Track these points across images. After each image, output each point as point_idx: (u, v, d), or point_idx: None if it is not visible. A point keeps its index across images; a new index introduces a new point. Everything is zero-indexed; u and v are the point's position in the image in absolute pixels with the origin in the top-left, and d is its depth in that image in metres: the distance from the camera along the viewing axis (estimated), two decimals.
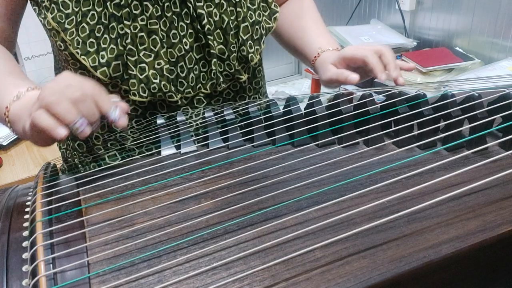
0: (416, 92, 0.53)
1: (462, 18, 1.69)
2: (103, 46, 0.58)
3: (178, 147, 0.55)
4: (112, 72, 0.58)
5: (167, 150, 0.55)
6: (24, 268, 0.37)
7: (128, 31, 0.58)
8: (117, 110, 0.47)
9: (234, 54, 0.64)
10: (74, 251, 0.37)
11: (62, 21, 0.57)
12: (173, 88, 0.62)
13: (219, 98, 0.68)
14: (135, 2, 0.57)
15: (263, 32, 0.66)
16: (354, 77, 0.65)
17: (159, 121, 0.57)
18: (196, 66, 0.64)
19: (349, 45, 0.69)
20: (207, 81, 0.65)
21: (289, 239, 0.37)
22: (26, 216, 0.43)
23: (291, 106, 0.55)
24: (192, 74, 0.63)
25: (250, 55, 0.65)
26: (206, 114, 0.58)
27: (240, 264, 0.36)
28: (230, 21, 0.62)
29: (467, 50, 1.68)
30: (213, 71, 0.63)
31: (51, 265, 0.36)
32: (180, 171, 0.48)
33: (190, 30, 0.62)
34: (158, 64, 0.60)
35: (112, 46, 0.58)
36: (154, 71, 0.60)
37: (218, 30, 0.62)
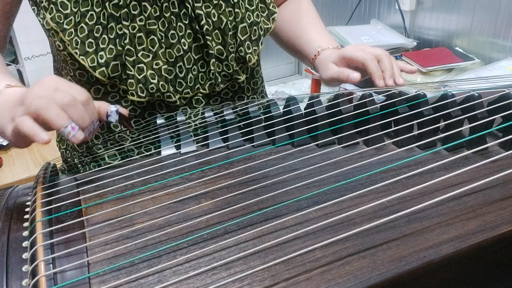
0: (416, 92, 0.53)
1: (462, 18, 1.69)
2: (101, 46, 0.58)
3: (178, 147, 0.55)
4: (111, 72, 0.58)
5: (167, 150, 0.55)
6: (24, 268, 0.37)
7: (127, 31, 0.58)
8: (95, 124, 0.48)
9: (233, 54, 0.64)
10: (74, 251, 0.37)
11: (61, 22, 0.57)
12: (171, 89, 0.62)
13: (217, 98, 0.68)
14: (133, 3, 0.58)
15: (261, 33, 0.66)
16: (356, 75, 0.65)
17: (159, 121, 0.57)
18: (194, 67, 0.64)
19: (349, 45, 0.69)
20: (205, 82, 0.65)
21: (289, 239, 0.37)
22: (26, 216, 0.43)
23: (291, 106, 0.55)
24: (190, 75, 0.63)
25: (248, 56, 0.65)
26: (206, 114, 0.58)
27: (240, 264, 0.36)
28: (228, 22, 0.62)
29: (467, 50, 1.68)
30: (212, 72, 0.63)
31: (51, 265, 0.36)
32: (180, 171, 0.48)
33: (188, 31, 0.62)
34: (157, 64, 0.60)
35: (110, 46, 0.58)
36: (153, 71, 0.60)
37: (217, 31, 0.62)
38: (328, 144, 0.52)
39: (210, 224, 0.40)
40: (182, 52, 0.62)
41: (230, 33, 0.63)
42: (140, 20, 0.58)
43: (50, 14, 0.57)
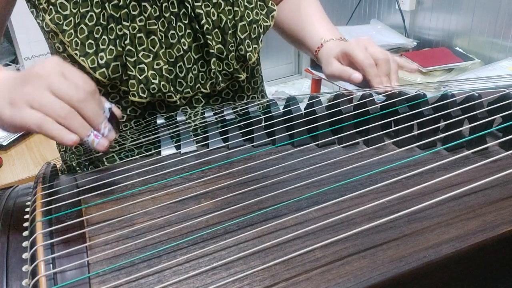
0: (416, 92, 0.53)
1: (462, 18, 1.69)
2: (101, 47, 0.57)
3: (178, 147, 0.55)
4: (111, 73, 0.58)
5: (167, 150, 0.55)
6: (24, 268, 0.37)
7: (127, 32, 0.58)
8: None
9: (233, 53, 0.63)
10: (74, 251, 0.37)
11: (60, 23, 0.56)
12: (172, 88, 0.62)
13: (217, 97, 0.68)
14: (133, 3, 0.57)
15: (261, 30, 0.66)
16: (357, 76, 0.64)
17: (159, 121, 0.57)
18: (194, 66, 0.63)
19: (353, 40, 0.68)
20: (206, 81, 0.65)
21: (289, 239, 0.37)
22: (26, 216, 0.43)
23: (291, 106, 0.55)
24: (191, 74, 0.63)
25: (248, 54, 0.64)
26: (206, 114, 0.58)
27: (240, 264, 0.36)
28: (228, 20, 0.62)
29: (467, 50, 1.68)
30: (212, 71, 0.63)
31: (51, 265, 0.36)
32: (180, 171, 0.48)
33: (188, 30, 0.62)
34: (157, 64, 0.60)
35: (111, 47, 0.57)
36: (153, 72, 0.60)
37: (216, 30, 0.62)
38: (328, 144, 0.52)
39: (210, 224, 0.40)
40: (182, 52, 0.62)
41: (230, 31, 0.63)
42: (140, 21, 0.58)
43: (49, 15, 0.56)
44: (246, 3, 0.64)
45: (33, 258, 0.36)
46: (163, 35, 0.60)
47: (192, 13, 0.61)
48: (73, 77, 0.43)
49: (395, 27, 1.90)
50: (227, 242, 0.38)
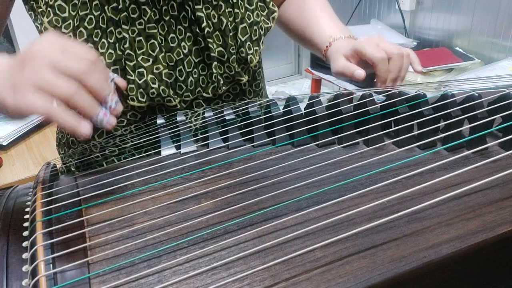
0: (416, 92, 0.53)
1: (462, 18, 1.69)
2: (101, 51, 0.57)
3: (178, 147, 0.55)
4: None
5: (167, 150, 0.55)
6: (24, 268, 0.37)
7: (126, 35, 0.57)
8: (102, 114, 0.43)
9: (234, 56, 0.63)
10: (74, 251, 0.37)
11: (59, 25, 0.55)
12: (171, 92, 0.61)
13: (218, 101, 0.68)
14: (133, 6, 0.57)
15: (262, 32, 0.65)
16: (360, 73, 0.64)
17: (159, 121, 0.57)
18: (195, 70, 0.63)
19: (363, 38, 0.67)
20: (207, 85, 0.64)
21: (289, 239, 0.37)
22: (26, 216, 0.43)
23: (291, 106, 0.55)
24: (191, 78, 0.63)
25: (249, 56, 0.64)
26: (206, 114, 0.58)
27: (240, 264, 0.36)
28: (229, 23, 0.62)
29: (467, 50, 1.68)
30: (214, 75, 0.63)
31: (51, 265, 0.36)
32: (180, 171, 0.48)
33: (188, 34, 0.61)
34: (157, 68, 0.59)
35: (110, 51, 0.57)
36: (153, 76, 0.59)
37: (217, 32, 0.62)
38: (328, 144, 0.52)
39: (210, 224, 0.40)
40: (182, 56, 0.61)
41: (231, 34, 0.62)
42: (140, 24, 0.58)
43: (47, 17, 0.56)
44: (246, 5, 0.63)
45: (33, 258, 0.36)
46: (163, 38, 0.60)
47: (193, 16, 0.60)
48: (73, 49, 0.41)
49: (395, 27, 1.90)
50: (227, 242, 0.38)
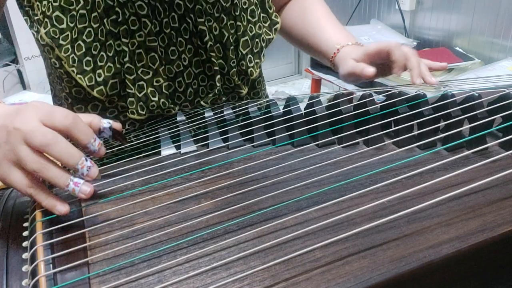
0: (416, 92, 0.53)
1: (462, 18, 1.69)
2: (99, 64, 0.56)
3: (178, 147, 0.55)
4: (109, 90, 0.57)
5: (167, 150, 0.55)
6: (24, 268, 0.37)
7: (126, 48, 0.56)
8: (96, 141, 0.43)
9: (234, 69, 0.62)
10: (74, 251, 0.37)
11: (56, 37, 0.54)
12: (170, 102, 0.60)
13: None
14: (132, 18, 0.55)
15: (263, 44, 0.64)
16: (370, 69, 0.63)
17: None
18: (195, 81, 0.62)
19: (373, 43, 0.68)
20: (206, 95, 0.63)
21: (289, 239, 0.37)
22: (26, 216, 0.43)
23: (291, 106, 0.55)
24: (190, 89, 0.62)
25: (249, 70, 0.63)
26: (206, 114, 0.58)
27: (240, 264, 0.36)
28: (230, 36, 0.61)
29: (467, 50, 1.68)
30: (218, 88, 0.61)
31: (51, 265, 0.36)
32: (180, 171, 0.48)
33: (189, 46, 0.60)
34: (157, 81, 0.58)
35: (109, 64, 0.56)
36: (153, 89, 0.58)
37: (218, 45, 0.61)
38: (328, 144, 0.52)
39: (210, 224, 0.40)
40: (182, 68, 0.60)
41: (232, 47, 0.61)
42: (140, 36, 0.56)
43: (44, 28, 0.54)
44: (249, 17, 0.62)
45: (33, 258, 0.36)
46: (163, 51, 0.58)
47: (194, 29, 0.59)
48: (49, 120, 0.40)
49: (395, 27, 1.90)
50: (227, 242, 0.38)
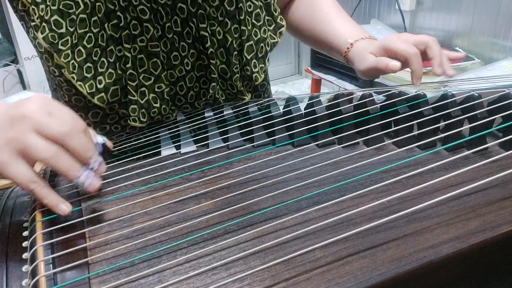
0: (416, 92, 0.53)
1: (462, 18, 1.69)
2: (100, 70, 0.54)
3: (178, 147, 0.55)
4: (110, 97, 0.55)
5: (167, 150, 0.55)
6: (24, 268, 0.37)
7: (128, 54, 0.54)
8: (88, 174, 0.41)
9: (237, 75, 0.61)
10: (74, 251, 0.37)
11: (55, 42, 0.52)
12: (171, 105, 0.60)
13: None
14: (134, 22, 0.54)
15: (268, 48, 0.63)
16: (395, 64, 0.62)
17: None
18: (196, 84, 0.61)
19: (392, 35, 0.66)
20: (207, 98, 0.62)
21: (289, 239, 0.37)
22: (26, 216, 0.43)
23: (291, 106, 0.55)
24: (191, 92, 0.61)
25: (254, 75, 0.62)
26: (206, 114, 0.58)
27: (240, 264, 0.36)
28: (234, 41, 0.59)
29: (467, 50, 1.68)
30: (217, 97, 0.60)
31: (51, 265, 0.36)
32: (180, 171, 0.48)
33: (192, 50, 0.59)
34: (159, 87, 0.57)
35: (110, 70, 0.54)
36: (155, 95, 0.57)
37: (221, 49, 0.59)
38: (328, 144, 0.52)
39: (210, 224, 0.40)
40: (184, 73, 0.59)
41: (235, 52, 0.60)
42: (141, 41, 0.55)
43: (42, 33, 0.52)
44: (253, 21, 0.61)
45: (33, 258, 0.36)
46: (165, 56, 0.57)
47: (197, 34, 0.58)
48: (59, 114, 0.40)
49: (395, 27, 1.90)
50: (227, 242, 0.38)
